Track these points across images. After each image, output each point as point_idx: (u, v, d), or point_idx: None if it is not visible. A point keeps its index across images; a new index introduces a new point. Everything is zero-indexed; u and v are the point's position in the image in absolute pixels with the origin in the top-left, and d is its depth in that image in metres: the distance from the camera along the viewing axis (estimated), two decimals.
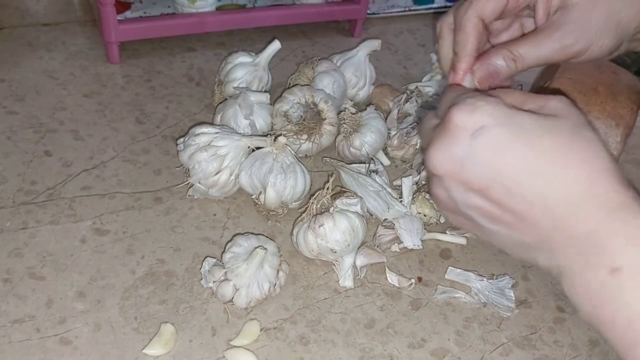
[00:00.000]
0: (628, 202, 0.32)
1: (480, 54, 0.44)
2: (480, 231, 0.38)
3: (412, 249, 0.55)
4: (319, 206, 0.52)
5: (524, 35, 0.45)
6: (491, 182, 0.33)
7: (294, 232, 0.52)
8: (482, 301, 0.52)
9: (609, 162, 0.33)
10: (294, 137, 0.60)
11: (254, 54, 0.68)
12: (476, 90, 0.41)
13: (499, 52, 0.43)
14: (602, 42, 0.43)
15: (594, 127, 0.34)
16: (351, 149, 0.62)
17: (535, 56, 0.43)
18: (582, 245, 0.32)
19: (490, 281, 0.53)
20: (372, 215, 0.57)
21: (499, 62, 0.43)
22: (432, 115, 0.40)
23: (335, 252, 0.50)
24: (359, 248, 0.53)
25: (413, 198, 0.57)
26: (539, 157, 0.32)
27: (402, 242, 0.55)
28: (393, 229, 0.56)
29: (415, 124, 0.65)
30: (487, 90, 0.38)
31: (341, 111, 0.64)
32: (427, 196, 0.58)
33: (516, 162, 0.33)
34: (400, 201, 0.57)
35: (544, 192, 0.32)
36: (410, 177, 0.58)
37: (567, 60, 0.44)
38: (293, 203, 0.56)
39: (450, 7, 0.96)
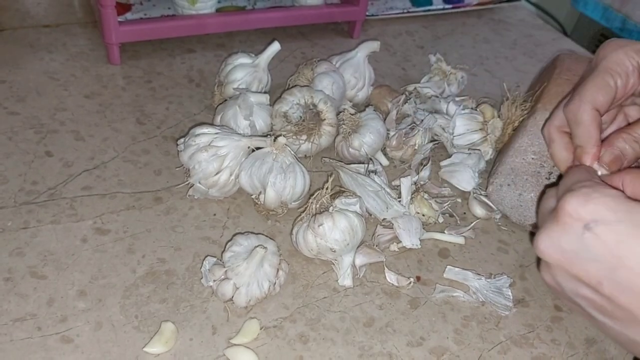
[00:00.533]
0: None
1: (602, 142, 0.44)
2: (589, 319, 0.36)
3: (410, 249, 0.55)
4: (318, 206, 0.53)
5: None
6: (603, 278, 0.32)
7: (294, 232, 0.53)
8: (480, 300, 0.52)
9: None
10: (294, 137, 0.61)
11: (253, 55, 0.68)
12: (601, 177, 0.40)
13: (619, 135, 0.44)
14: None
15: None
16: (350, 149, 0.63)
17: None
18: None
19: (488, 280, 0.53)
20: (371, 215, 0.58)
21: (621, 144, 0.43)
22: (552, 194, 0.39)
23: (334, 252, 0.51)
24: (358, 247, 0.53)
25: (412, 198, 0.58)
26: None
27: (400, 241, 0.55)
28: (392, 228, 0.56)
29: (414, 124, 0.66)
30: (613, 173, 0.39)
31: (340, 112, 0.65)
32: (426, 196, 0.59)
33: (634, 260, 0.31)
34: (399, 201, 0.57)
35: None
36: (409, 177, 0.58)
37: None
38: (293, 203, 0.57)
39: (448, 9, 0.97)
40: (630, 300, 0.32)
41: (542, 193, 0.43)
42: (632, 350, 0.35)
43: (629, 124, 0.47)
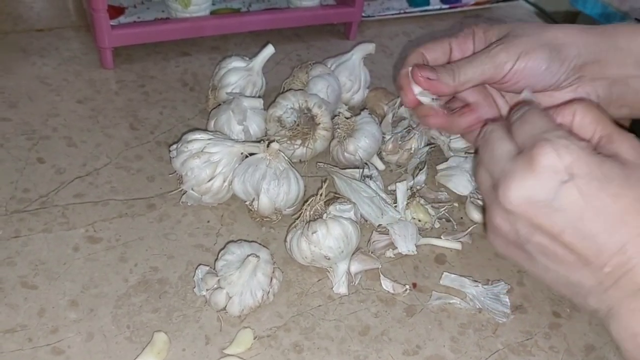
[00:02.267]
0: None
1: None
2: (532, 265, 0.38)
3: (406, 255, 0.55)
4: (312, 213, 0.52)
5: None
6: (566, 227, 0.34)
7: (288, 239, 0.52)
8: (477, 307, 0.52)
9: None
10: (288, 142, 0.60)
11: (248, 59, 0.67)
12: (559, 125, 0.39)
13: (441, 65, 0.49)
14: (538, 62, 0.45)
15: None
16: (345, 153, 0.62)
17: (470, 71, 0.47)
18: None
19: (485, 287, 0.53)
20: (366, 221, 0.57)
21: (440, 70, 0.48)
22: (507, 138, 0.38)
23: (328, 259, 0.50)
24: (353, 254, 0.53)
25: (407, 203, 0.57)
26: (623, 208, 0.33)
27: (396, 247, 0.54)
28: (388, 234, 0.55)
29: (410, 127, 0.65)
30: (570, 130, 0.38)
31: (335, 116, 0.64)
32: (422, 201, 0.58)
33: (599, 212, 0.33)
34: (395, 207, 0.57)
35: (623, 241, 0.33)
36: (405, 182, 0.58)
37: (505, 81, 0.47)
38: (287, 209, 0.56)
39: (445, 9, 0.96)
40: (589, 245, 0.34)
41: (483, 125, 0.42)
42: (567, 293, 0.38)
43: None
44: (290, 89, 0.64)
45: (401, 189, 0.57)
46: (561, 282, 0.37)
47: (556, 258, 0.36)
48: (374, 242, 0.55)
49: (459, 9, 0.98)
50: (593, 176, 0.34)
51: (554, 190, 0.34)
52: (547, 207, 0.34)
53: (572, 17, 1.21)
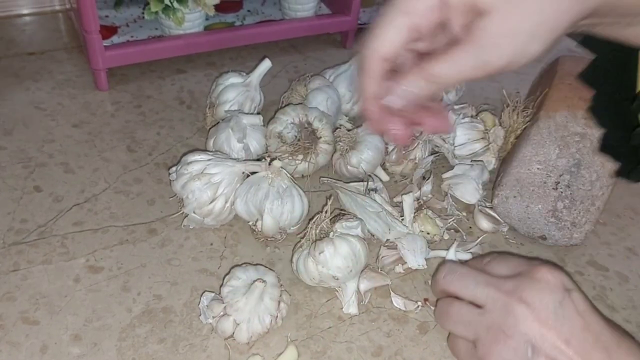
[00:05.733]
0: None
1: (396, 77, 0.37)
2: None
3: (416, 269, 0.53)
4: (318, 231, 0.51)
5: (440, 51, 0.37)
6: (572, 337, 0.38)
7: (294, 260, 0.51)
8: None
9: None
10: (290, 158, 0.59)
11: (244, 74, 0.66)
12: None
13: (415, 75, 0.37)
14: (530, 50, 0.35)
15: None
16: (348, 167, 0.61)
17: (453, 74, 0.36)
18: None
19: None
20: (373, 236, 0.56)
21: (415, 85, 0.37)
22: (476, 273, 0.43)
23: (337, 279, 0.49)
24: (361, 272, 0.51)
25: (415, 216, 0.56)
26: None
27: (405, 262, 0.53)
28: (396, 249, 0.54)
29: (413, 136, 0.64)
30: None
31: (337, 128, 0.63)
32: (430, 213, 0.57)
33: (596, 324, 0.39)
34: (402, 220, 0.55)
35: None
36: (411, 193, 0.56)
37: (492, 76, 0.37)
38: (291, 228, 0.55)
39: None
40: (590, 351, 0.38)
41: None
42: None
43: (435, 54, 0.37)
44: (289, 103, 0.63)
45: (407, 201, 0.55)
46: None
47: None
48: (382, 257, 0.54)
49: None
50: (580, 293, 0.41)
51: (562, 299, 0.40)
52: (555, 315, 0.39)
53: None
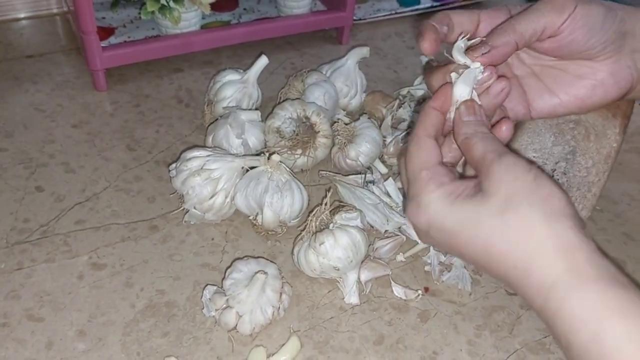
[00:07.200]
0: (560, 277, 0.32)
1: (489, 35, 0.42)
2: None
3: (416, 259, 0.54)
4: (318, 223, 0.51)
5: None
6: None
7: (295, 252, 0.51)
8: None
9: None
10: (289, 152, 0.59)
11: (241, 71, 0.67)
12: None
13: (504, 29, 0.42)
14: (596, 12, 0.40)
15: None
16: (347, 160, 0.61)
17: (528, 18, 0.42)
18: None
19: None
20: (372, 227, 0.56)
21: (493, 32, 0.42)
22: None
23: (338, 270, 0.49)
24: (362, 262, 0.52)
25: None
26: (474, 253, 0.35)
27: (405, 251, 0.54)
28: (391, 237, 0.54)
29: (410, 128, 0.64)
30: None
31: (334, 122, 0.63)
32: None
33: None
34: (399, 210, 0.56)
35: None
36: (390, 179, 0.57)
37: (562, 30, 0.41)
38: (292, 221, 0.55)
39: (436, 7, 0.95)
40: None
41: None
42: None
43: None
44: (287, 99, 0.64)
45: (390, 187, 0.57)
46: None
47: None
48: (376, 248, 0.54)
49: (449, 6, 0.97)
50: (444, 227, 0.35)
51: (426, 232, 0.37)
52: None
53: None
